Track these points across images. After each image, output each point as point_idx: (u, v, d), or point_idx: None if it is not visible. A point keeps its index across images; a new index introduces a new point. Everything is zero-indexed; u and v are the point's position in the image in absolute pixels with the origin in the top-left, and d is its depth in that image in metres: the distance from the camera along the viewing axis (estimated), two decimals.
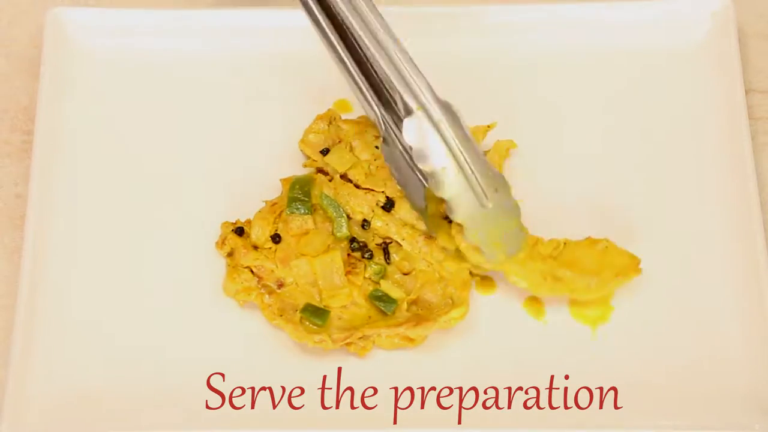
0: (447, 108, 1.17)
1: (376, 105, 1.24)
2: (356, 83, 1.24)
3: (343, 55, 1.24)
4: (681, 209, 1.26)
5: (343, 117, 1.28)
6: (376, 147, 1.25)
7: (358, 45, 1.22)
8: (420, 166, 1.17)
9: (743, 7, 1.36)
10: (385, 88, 1.23)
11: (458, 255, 1.21)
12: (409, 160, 1.23)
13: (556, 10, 1.34)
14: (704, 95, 1.30)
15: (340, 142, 1.26)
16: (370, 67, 1.23)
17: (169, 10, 1.34)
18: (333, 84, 1.30)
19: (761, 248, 1.21)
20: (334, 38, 1.24)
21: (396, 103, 1.21)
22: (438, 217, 1.22)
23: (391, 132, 1.23)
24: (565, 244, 1.22)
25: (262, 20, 1.34)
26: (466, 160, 1.17)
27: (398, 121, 1.22)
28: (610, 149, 1.29)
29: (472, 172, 1.17)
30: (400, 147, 1.23)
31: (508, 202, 1.19)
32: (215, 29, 1.34)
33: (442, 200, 1.19)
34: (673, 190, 1.27)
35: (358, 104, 1.29)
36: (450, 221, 1.21)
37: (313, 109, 1.29)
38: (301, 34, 1.32)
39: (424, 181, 1.22)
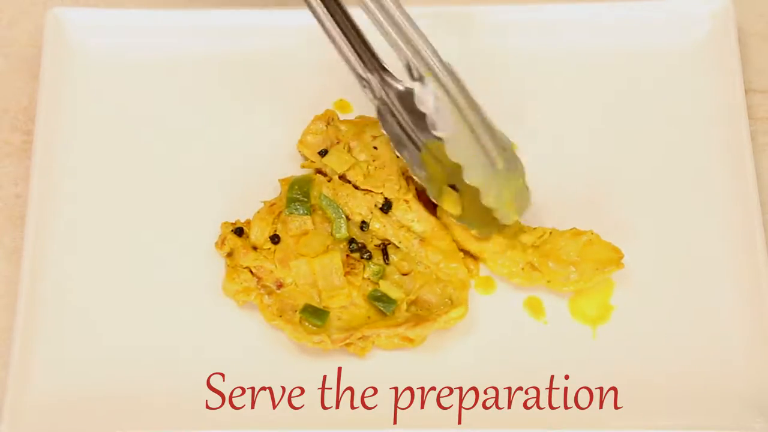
0: (451, 71, 1.17)
1: (369, 71, 1.23)
2: (345, 53, 1.23)
3: (330, 25, 1.23)
4: (681, 209, 1.26)
5: (341, 117, 1.28)
6: (375, 147, 1.25)
7: (345, 13, 1.22)
8: (435, 132, 1.17)
9: (743, 7, 1.36)
10: (374, 56, 1.23)
11: (455, 253, 1.22)
12: (403, 125, 1.23)
13: (556, 10, 1.34)
14: (704, 95, 1.30)
15: (338, 142, 1.26)
16: (357, 35, 1.23)
17: (169, 11, 1.34)
18: (332, 84, 1.31)
19: (761, 248, 1.21)
20: (320, 10, 1.23)
21: (383, 70, 1.22)
22: (439, 182, 1.21)
23: (385, 99, 1.23)
24: (550, 233, 1.22)
25: (261, 20, 1.34)
26: (475, 122, 1.17)
27: (387, 87, 1.23)
28: (610, 149, 1.29)
29: (483, 133, 1.17)
30: (391, 113, 1.23)
31: (515, 160, 1.19)
32: (215, 29, 1.34)
33: (442, 165, 1.18)
34: (674, 191, 1.27)
35: (357, 104, 1.29)
36: (454, 188, 1.21)
37: (312, 109, 1.29)
38: (300, 35, 1.32)
39: (417, 148, 1.22)
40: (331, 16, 1.23)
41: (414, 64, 1.16)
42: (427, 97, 1.16)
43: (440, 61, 1.16)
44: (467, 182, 1.17)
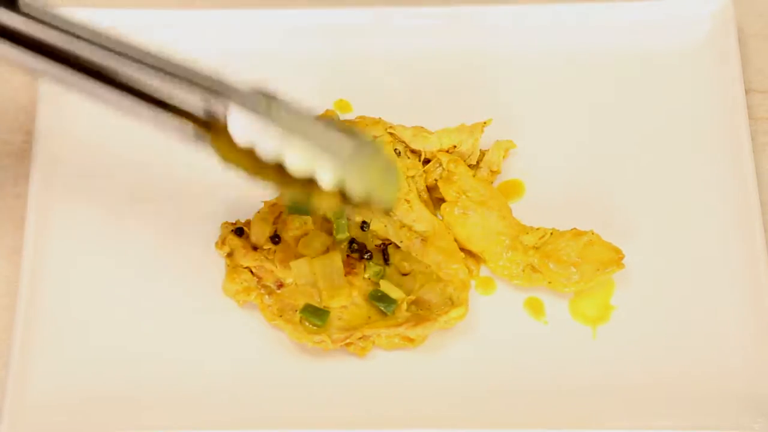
0: (259, 92, 1.06)
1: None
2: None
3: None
4: (681, 210, 1.26)
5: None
6: None
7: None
8: (264, 157, 1.04)
9: (743, 7, 1.35)
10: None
11: (456, 253, 1.22)
12: None
13: (556, 10, 1.34)
14: (704, 95, 1.30)
15: None
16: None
17: (169, 10, 1.34)
18: (332, 84, 1.30)
19: (761, 249, 1.21)
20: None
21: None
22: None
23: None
24: (551, 234, 1.22)
25: (261, 20, 1.34)
26: (307, 130, 1.06)
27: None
28: (609, 149, 1.29)
29: (322, 135, 1.06)
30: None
31: (364, 143, 1.06)
32: (214, 29, 1.33)
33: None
34: (673, 191, 1.27)
35: (357, 104, 1.29)
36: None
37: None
38: (299, 34, 1.32)
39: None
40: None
41: (213, 102, 1.04)
42: (236, 129, 1.04)
43: (237, 86, 1.05)
44: (325, 188, 1.04)
